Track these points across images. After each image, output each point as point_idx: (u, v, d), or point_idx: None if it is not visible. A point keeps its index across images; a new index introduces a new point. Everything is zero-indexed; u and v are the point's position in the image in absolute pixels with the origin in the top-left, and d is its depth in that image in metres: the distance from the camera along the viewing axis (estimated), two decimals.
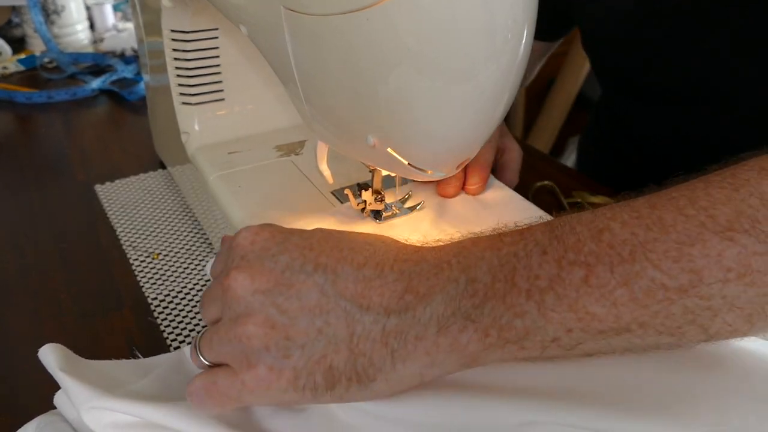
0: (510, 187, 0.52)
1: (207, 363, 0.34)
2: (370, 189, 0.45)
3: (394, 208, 0.46)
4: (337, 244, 0.33)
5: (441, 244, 0.34)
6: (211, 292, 0.35)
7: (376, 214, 0.46)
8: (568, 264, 0.30)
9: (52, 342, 0.38)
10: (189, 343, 0.43)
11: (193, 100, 0.57)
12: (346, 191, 0.46)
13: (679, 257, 0.29)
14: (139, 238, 0.59)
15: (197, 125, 0.57)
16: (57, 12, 1.03)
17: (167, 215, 0.62)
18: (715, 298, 0.29)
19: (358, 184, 0.46)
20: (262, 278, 0.32)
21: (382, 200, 0.46)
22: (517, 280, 0.30)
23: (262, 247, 0.33)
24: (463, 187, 0.50)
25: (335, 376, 0.31)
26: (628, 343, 0.31)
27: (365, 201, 0.46)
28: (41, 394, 0.41)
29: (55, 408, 0.37)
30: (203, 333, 0.34)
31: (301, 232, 0.34)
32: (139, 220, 0.62)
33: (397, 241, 0.35)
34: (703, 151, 0.65)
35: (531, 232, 0.32)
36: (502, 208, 0.48)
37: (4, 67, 0.99)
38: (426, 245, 0.34)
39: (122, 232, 0.60)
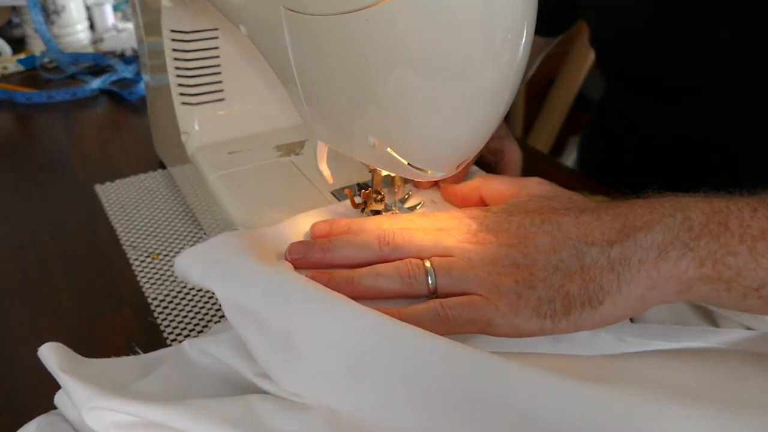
0: None
1: (432, 285, 0.37)
2: (370, 189, 0.45)
3: (394, 208, 0.46)
4: (551, 205, 0.39)
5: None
6: (438, 239, 0.39)
7: (376, 214, 0.46)
8: None
9: (53, 341, 0.38)
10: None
11: (193, 100, 0.57)
12: (346, 191, 0.46)
13: None
14: (139, 238, 0.59)
15: (197, 125, 0.57)
16: (57, 12, 1.03)
17: (167, 215, 0.62)
18: None
19: (358, 184, 0.46)
20: (503, 236, 0.38)
21: (381, 200, 0.46)
22: (730, 225, 0.33)
23: (494, 218, 0.39)
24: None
25: (571, 302, 0.35)
26: None
27: (365, 201, 0.46)
28: (41, 393, 0.41)
29: (55, 408, 0.37)
30: (434, 261, 0.38)
31: (516, 203, 0.41)
32: (139, 220, 0.62)
33: (606, 204, 0.39)
34: (707, 148, 0.65)
35: (739, 198, 0.35)
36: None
37: (4, 67, 0.99)
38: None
39: (122, 232, 0.60)
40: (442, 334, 0.34)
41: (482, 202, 0.45)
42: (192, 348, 0.38)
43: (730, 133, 0.62)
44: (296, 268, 0.39)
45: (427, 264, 0.37)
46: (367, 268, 0.38)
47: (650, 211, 0.35)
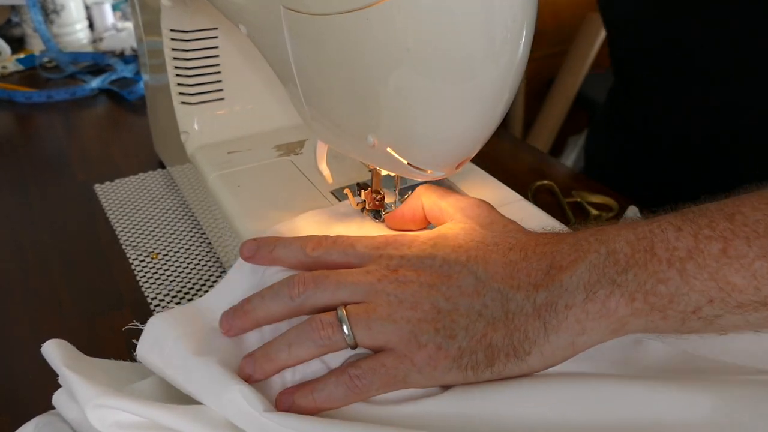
0: None
1: (348, 339, 0.35)
2: (370, 188, 0.45)
3: (393, 207, 0.46)
4: (481, 239, 0.37)
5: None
6: (354, 277, 0.36)
7: (376, 214, 0.46)
8: (704, 238, 0.31)
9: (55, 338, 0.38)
10: None
11: (193, 99, 0.57)
12: (346, 191, 0.46)
13: None
14: (138, 237, 0.59)
15: (197, 125, 0.57)
16: (56, 11, 1.03)
17: (167, 215, 0.62)
18: None
19: (358, 184, 0.46)
20: (425, 274, 0.36)
21: (381, 200, 0.46)
22: (656, 250, 0.32)
23: (420, 250, 0.37)
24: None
25: (495, 353, 0.33)
26: (765, 321, 0.32)
27: (364, 200, 0.46)
28: (41, 393, 0.41)
29: (53, 408, 0.37)
30: (350, 310, 0.35)
31: (445, 233, 0.38)
32: (139, 219, 0.62)
33: (532, 231, 0.38)
34: (712, 143, 0.64)
35: (662, 216, 0.34)
36: (503, 210, 0.48)
37: (4, 67, 0.99)
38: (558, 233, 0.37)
39: (122, 231, 0.60)
40: (358, 401, 0.34)
41: (426, 221, 0.43)
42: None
43: (737, 128, 0.62)
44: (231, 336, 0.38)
45: (341, 313, 0.35)
46: (277, 338, 0.36)
47: (575, 248, 0.34)
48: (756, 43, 0.57)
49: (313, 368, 0.36)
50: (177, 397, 0.36)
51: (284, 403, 0.35)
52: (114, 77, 0.94)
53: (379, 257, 0.37)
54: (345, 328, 0.35)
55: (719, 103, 0.62)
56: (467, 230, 0.38)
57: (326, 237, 0.39)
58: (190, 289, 0.52)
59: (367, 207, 0.46)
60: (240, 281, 0.41)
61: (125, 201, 0.65)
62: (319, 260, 0.38)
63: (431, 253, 0.36)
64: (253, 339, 0.38)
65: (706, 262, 0.31)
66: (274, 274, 0.40)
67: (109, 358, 0.40)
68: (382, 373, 0.34)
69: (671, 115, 0.67)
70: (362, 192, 0.45)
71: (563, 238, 0.35)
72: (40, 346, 0.37)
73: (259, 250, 0.39)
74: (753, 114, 0.61)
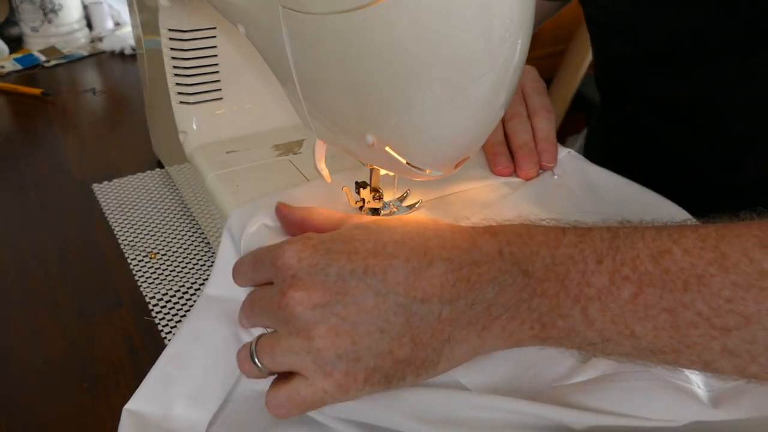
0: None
1: (261, 370, 0.34)
2: (369, 187, 0.45)
3: (392, 206, 0.46)
4: (379, 240, 0.34)
5: (492, 225, 0.35)
6: (261, 303, 0.35)
7: (374, 212, 0.46)
8: (620, 278, 0.30)
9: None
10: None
11: (191, 99, 0.57)
12: (344, 189, 0.46)
13: (732, 298, 0.29)
14: (137, 237, 0.59)
15: (195, 124, 0.57)
16: (54, 11, 1.03)
17: (165, 214, 0.62)
18: (758, 343, 0.29)
19: (357, 183, 0.46)
20: (317, 292, 0.32)
21: (380, 198, 0.46)
22: (567, 283, 0.31)
23: (310, 263, 0.33)
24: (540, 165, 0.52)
25: (404, 368, 0.32)
26: (660, 363, 0.31)
27: (363, 199, 0.46)
28: (41, 393, 0.41)
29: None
30: (259, 343, 0.34)
31: (341, 237, 0.34)
32: (137, 219, 0.62)
33: (442, 223, 0.35)
34: (710, 136, 0.64)
35: (590, 237, 0.32)
36: (503, 207, 0.48)
37: (2, 66, 0.99)
38: (476, 227, 0.35)
39: (120, 231, 0.60)
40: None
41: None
42: None
43: (731, 124, 0.62)
44: None
45: (252, 348, 0.34)
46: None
47: (488, 264, 0.32)
48: (740, 30, 0.56)
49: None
50: None
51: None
52: None
53: (275, 276, 0.35)
54: (256, 361, 0.34)
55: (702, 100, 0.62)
56: (366, 230, 0.35)
57: (254, 253, 0.38)
58: (189, 288, 0.52)
59: (365, 205, 0.46)
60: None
61: (124, 201, 0.65)
62: (255, 281, 0.38)
63: (324, 265, 0.33)
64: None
65: (612, 306, 0.30)
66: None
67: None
68: (299, 401, 0.33)
69: (660, 112, 0.67)
70: (361, 191, 0.45)
71: (477, 242, 0.33)
72: (38, 345, 0.37)
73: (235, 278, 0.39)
74: (742, 108, 0.60)
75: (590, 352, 0.33)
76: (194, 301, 0.51)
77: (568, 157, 0.54)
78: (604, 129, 0.81)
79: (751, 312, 0.28)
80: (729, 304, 0.29)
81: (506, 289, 0.32)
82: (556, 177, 0.52)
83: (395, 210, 0.47)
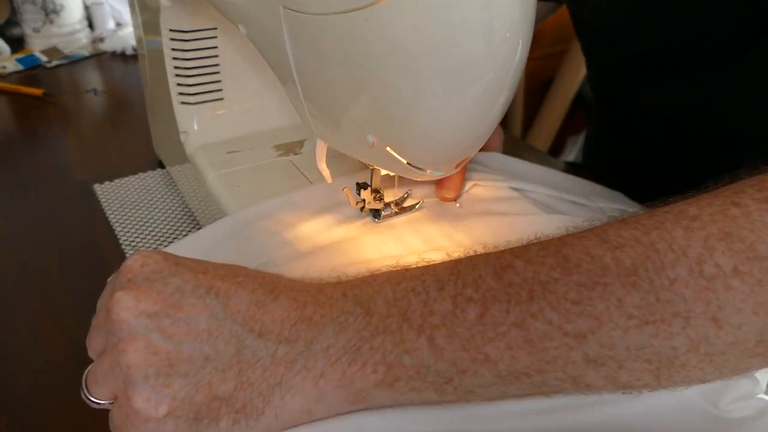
0: None
1: (95, 401, 0.30)
2: (369, 188, 0.45)
3: (393, 207, 0.46)
4: (233, 270, 0.32)
5: (343, 279, 0.32)
6: (97, 320, 0.32)
7: (375, 213, 0.46)
8: (464, 301, 0.28)
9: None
10: None
11: (192, 99, 0.57)
12: (345, 190, 0.46)
13: (578, 300, 0.27)
14: (138, 237, 0.59)
15: (196, 125, 0.57)
16: (56, 11, 1.03)
17: (166, 215, 0.62)
18: (617, 347, 0.27)
19: (357, 184, 0.46)
20: (149, 300, 0.29)
21: (381, 199, 0.46)
22: (409, 315, 0.29)
23: (153, 270, 0.30)
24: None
25: (219, 407, 0.29)
26: (531, 389, 0.29)
27: (364, 200, 0.46)
28: (41, 393, 0.41)
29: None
30: (89, 369, 0.31)
31: (197, 260, 0.32)
32: (138, 219, 0.62)
33: (295, 279, 0.33)
34: (706, 131, 0.64)
35: (433, 268, 0.31)
36: (502, 206, 0.48)
37: (3, 67, 0.99)
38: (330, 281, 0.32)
39: (121, 231, 0.60)
40: None
41: None
42: None
43: (729, 114, 0.61)
44: None
45: (84, 378, 0.31)
46: None
47: (331, 303, 0.30)
48: (733, 29, 0.56)
49: None
50: None
51: None
52: None
53: (114, 282, 0.32)
54: (86, 392, 0.31)
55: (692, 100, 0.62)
56: (224, 264, 0.32)
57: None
58: None
59: (366, 206, 0.46)
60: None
61: (124, 201, 0.65)
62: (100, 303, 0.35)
63: (166, 274, 0.30)
64: None
65: (459, 330, 0.28)
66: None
67: None
68: (115, 428, 0.30)
69: (657, 109, 0.67)
70: (362, 191, 0.45)
71: (323, 288, 0.31)
72: (38, 345, 0.37)
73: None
74: (734, 113, 0.60)
75: (449, 396, 0.29)
76: None
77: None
78: (601, 132, 0.82)
79: (600, 311, 0.27)
80: (577, 307, 0.27)
81: (347, 328, 0.29)
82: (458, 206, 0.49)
83: (396, 211, 0.47)
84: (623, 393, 0.30)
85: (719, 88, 0.59)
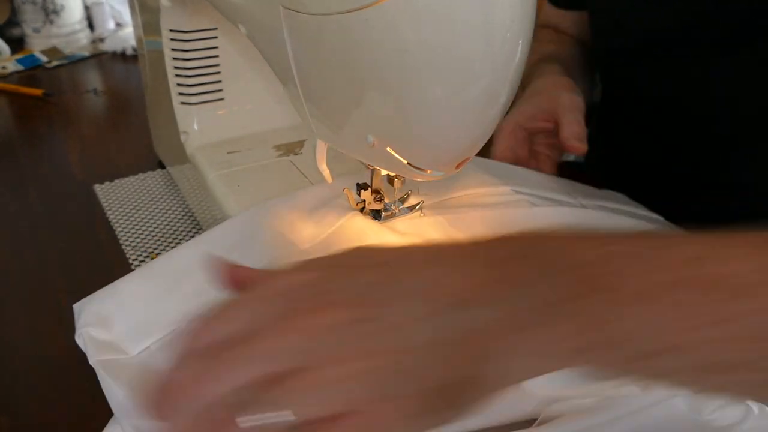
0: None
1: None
2: (370, 188, 0.45)
3: (393, 207, 0.46)
4: (400, 250, 0.29)
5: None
6: (262, 345, 0.26)
7: (376, 214, 0.46)
8: (686, 279, 0.27)
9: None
10: None
11: (193, 99, 0.57)
12: (345, 190, 0.46)
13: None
14: (138, 237, 0.59)
15: (196, 125, 0.57)
16: (56, 11, 1.03)
17: (166, 215, 0.62)
18: None
19: (358, 184, 0.46)
20: (339, 308, 0.26)
21: (381, 199, 0.46)
22: (627, 278, 0.27)
23: (326, 278, 0.27)
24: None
25: (450, 391, 0.27)
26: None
27: (364, 201, 0.46)
28: (41, 393, 0.41)
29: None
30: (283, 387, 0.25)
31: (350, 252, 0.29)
32: (139, 219, 0.62)
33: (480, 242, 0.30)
34: (707, 129, 0.64)
35: (645, 236, 0.30)
36: (502, 206, 0.48)
37: (3, 67, 0.99)
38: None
39: (121, 231, 0.60)
40: None
41: None
42: None
43: (730, 115, 0.61)
44: None
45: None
46: None
47: (530, 265, 0.28)
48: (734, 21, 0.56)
49: None
50: None
51: None
52: None
53: (269, 304, 0.27)
54: (275, 416, 0.25)
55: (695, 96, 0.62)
56: (387, 244, 0.30)
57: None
58: None
59: (366, 207, 0.46)
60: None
61: (125, 201, 0.65)
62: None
63: (350, 273, 0.27)
64: None
65: (685, 303, 0.27)
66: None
67: None
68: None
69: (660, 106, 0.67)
70: (362, 192, 0.45)
71: (507, 241, 0.29)
72: (38, 347, 0.37)
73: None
74: (733, 106, 0.60)
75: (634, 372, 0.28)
76: None
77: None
78: (604, 130, 0.81)
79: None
80: None
81: (554, 287, 0.27)
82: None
83: (396, 211, 0.47)
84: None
85: (717, 83, 0.59)
